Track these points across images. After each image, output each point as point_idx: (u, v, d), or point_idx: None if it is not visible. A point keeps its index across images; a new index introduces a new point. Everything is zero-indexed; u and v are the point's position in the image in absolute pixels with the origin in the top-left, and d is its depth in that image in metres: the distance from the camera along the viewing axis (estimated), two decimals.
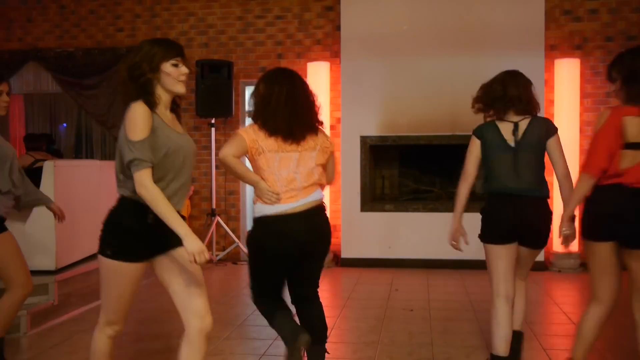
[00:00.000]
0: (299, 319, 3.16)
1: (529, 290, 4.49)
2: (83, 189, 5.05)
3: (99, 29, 7.83)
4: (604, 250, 2.93)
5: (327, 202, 6.85)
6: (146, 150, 2.33)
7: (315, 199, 3.03)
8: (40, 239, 4.61)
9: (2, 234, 3.31)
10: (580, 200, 2.93)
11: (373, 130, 6.88)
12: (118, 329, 2.61)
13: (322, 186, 3.16)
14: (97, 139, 8.15)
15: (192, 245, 2.30)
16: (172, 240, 2.40)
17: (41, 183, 4.61)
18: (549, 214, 3.25)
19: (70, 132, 8.29)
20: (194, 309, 2.52)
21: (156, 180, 2.37)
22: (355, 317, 4.78)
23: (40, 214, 4.61)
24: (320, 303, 3.20)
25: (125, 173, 2.43)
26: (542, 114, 4.21)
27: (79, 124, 8.24)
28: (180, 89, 2.52)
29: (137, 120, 2.35)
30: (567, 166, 3.18)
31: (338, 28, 7.09)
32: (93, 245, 5.39)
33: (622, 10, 6.83)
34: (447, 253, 6.54)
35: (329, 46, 7.26)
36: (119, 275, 2.49)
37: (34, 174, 5.72)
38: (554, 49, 6.83)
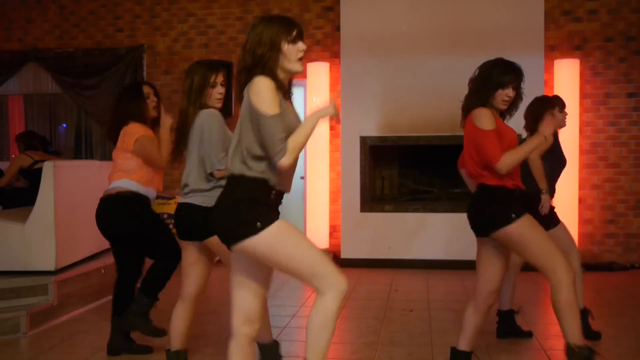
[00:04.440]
0: None
1: (530, 290, 4.50)
2: (83, 190, 5.05)
3: (98, 30, 7.84)
4: None
5: (326, 202, 6.94)
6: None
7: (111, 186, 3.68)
8: (40, 239, 4.60)
9: None
10: None
11: (373, 130, 6.88)
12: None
13: (124, 172, 3.69)
14: (97, 140, 8.13)
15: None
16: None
17: (41, 184, 4.61)
18: None
19: (70, 133, 8.28)
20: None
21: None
22: (355, 317, 4.77)
23: (40, 214, 4.60)
24: None
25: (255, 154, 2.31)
26: None
27: (78, 124, 8.22)
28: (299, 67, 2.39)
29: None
30: None
31: (338, 28, 7.09)
32: (93, 246, 5.39)
33: (622, 10, 6.83)
34: (447, 253, 6.62)
35: (329, 47, 7.26)
36: (292, 230, 2.32)
37: (34, 175, 5.74)
38: (553, 50, 6.84)
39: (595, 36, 6.87)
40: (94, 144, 8.19)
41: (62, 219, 4.67)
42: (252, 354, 2.43)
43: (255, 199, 2.30)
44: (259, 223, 2.25)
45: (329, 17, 7.29)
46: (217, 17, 7.56)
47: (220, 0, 7.55)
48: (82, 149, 8.21)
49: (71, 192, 4.85)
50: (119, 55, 7.67)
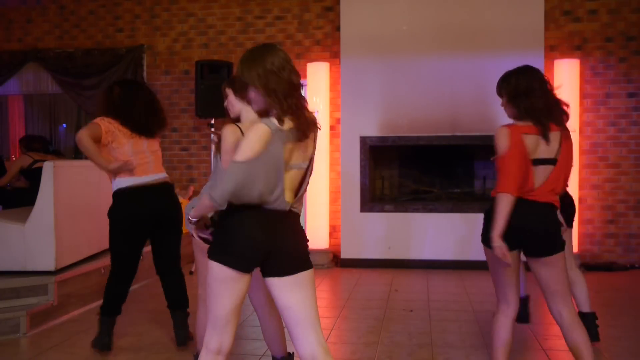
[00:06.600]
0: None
1: (528, 290, 4.50)
2: (83, 190, 5.05)
3: (98, 30, 7.84)
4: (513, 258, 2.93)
5: (326, 202, 6.94)
6: None
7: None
8: (40, 239, 4.60)
9: None
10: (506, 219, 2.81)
11: (373, 130, 6.88)
12: None
13: None
14: None
15: None
16: None
17: (41, 184, 4.60)
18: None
19: (70, 133, 8.29)
20: None
21: None
22: (354, 317, 4.78)
23: (40, 214, 4.60)
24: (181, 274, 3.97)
25: None
26: None
27: (78, 124, 8.21)
28: None
29: None
30: None
31: (338, 28, 7.09)
32: (93, 246, 5.39)
33: (622, 10, 6.83)
34: (447, 253, 6.62)
35: (329, 47, 7.26)
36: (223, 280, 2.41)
37: (34, 175, 5.74)
38: (553, 50, 6.84)
39: (595, 36, 6.87)
40: None
41: (62, 219, 4.67)
42: None
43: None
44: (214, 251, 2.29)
45: (329, 17, 7.29)
46: (217, 17, 7.56)
47: (220, 0, 7.55)
48: None
49: (71, 192, 4.85)
50: (119, 55, 7.67)
